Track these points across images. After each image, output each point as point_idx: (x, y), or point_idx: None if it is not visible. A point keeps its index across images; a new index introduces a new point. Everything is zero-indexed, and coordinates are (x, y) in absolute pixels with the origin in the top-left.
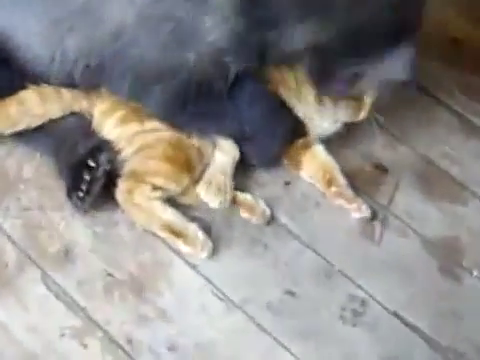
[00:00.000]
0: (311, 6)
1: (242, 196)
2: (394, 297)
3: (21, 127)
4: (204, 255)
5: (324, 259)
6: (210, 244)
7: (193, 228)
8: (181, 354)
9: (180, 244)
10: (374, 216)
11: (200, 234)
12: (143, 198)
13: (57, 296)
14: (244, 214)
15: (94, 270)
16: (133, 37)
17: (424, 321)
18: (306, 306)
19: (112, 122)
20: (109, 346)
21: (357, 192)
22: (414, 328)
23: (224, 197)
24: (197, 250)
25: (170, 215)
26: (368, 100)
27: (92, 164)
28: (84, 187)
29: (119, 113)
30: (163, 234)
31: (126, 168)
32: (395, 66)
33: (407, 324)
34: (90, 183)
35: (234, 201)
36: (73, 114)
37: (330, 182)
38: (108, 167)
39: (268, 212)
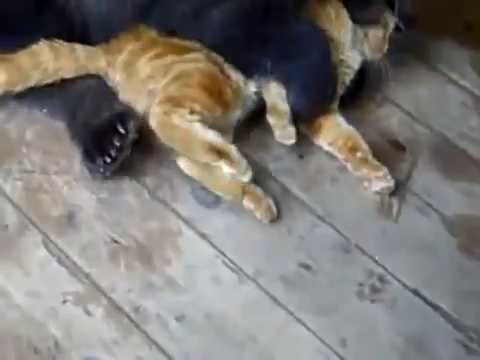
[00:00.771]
0: None
1: (252, 186)
2: (414, 274)
3: (32, 82)
4: (246, 179)
5: (340, 234)
6: (251, 170)
7: (235, 149)
8: (190, 325)
9: (223, 165)
10: (392, 192)
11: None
12: (182, 120)
13: (59, 261)
14: (248, 205)
15: (99, 236)
16: None
17: (445, 300)
18: (322, 280)
19: (146, 58)
20: (114, 314)
21: None
22: (435, 307)
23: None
24: (241, 171)
25: (212, 135)
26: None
27: (122, 130)
28: (113, 153)
29: (154, 51)
30: (205, 156)
31: (161, 95)
32: None
33: (428, 302)
34: (119, 150)
35: (243, 188)
36: (93, 76)
37: (354, 148)
38: (136, 136)
39: (274, 211)
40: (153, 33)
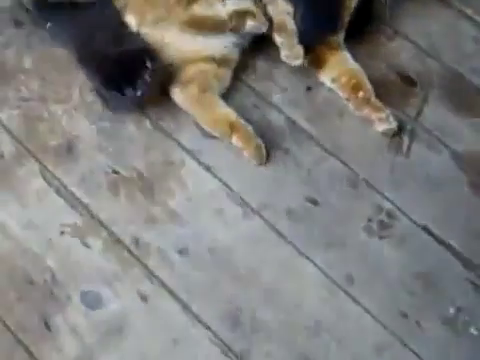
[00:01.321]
0: None
1: (244, 124)
2: (423, 211)
3: None
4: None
5: (348, 167)
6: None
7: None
8: (193, 259)
9: (235, 141)
10: (402, 128)
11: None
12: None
13: (57, 191)
14: (237, 143)
15: (98, 166)
16: None
17: (455, 238)
18: (329, 215)
19: None
20: (113, 247)
21: (384, 104)
22: (445, 245)
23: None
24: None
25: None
26: None
27: (150, 66)
28: (142, 87)
29: None
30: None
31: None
32: None
33: (438, 240)
34: (147, 85)
35: (231, 126)
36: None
37: (357, 87)
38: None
39: (263, 154)
40: None
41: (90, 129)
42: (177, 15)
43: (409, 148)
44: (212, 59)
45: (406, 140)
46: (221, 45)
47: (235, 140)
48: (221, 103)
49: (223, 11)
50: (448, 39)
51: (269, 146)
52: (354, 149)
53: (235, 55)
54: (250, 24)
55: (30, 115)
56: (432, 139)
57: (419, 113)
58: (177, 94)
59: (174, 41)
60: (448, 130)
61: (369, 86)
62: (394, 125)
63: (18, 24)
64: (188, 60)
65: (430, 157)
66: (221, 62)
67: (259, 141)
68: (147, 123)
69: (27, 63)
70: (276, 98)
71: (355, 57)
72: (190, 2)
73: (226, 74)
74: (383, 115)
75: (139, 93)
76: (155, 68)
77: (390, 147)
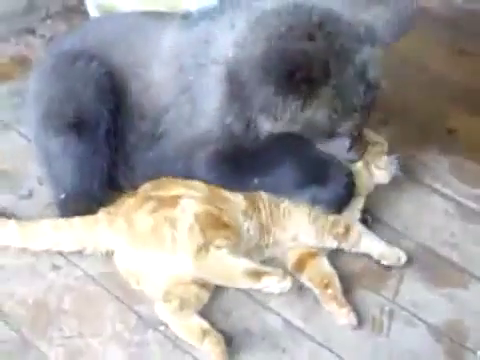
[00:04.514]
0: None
1: (214, 332)
2: None
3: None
4: (289, 284)
5: (339, 357)
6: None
7: (266, 266)
8: None
9: (266, 281)
10: (382, 309)
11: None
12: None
13: None
14: (208, 347)
15: None
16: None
17: None
18: None
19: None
20: None
21: (364, 289)
22: None
23: None
24: (281, 280)
25: (244, 262)
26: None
27: None
28: None
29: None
30: (245, 282)
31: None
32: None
33: None
34: None
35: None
36: None
37: (327, 286)
38: None
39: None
40: (149, 190)
41: (122, 355)
42: None
43: (389, 328)
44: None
45: (386, 321)
46: None
47: (207, 344)
48: (195, 316)
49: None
50: (420, 216)
51: (270, 347)
52: (342, 338)
53: None
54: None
55: (73, 351)
56: (409, 315)
57: (396, 293)
58: (158, 307)
59: None
60: (423, 304)
61: (338, 285)
62: (354, 321)
63: (55, 268)
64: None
65: (408, 333)
66: (203, 285)
67: (223, 347)
68: (168, 343)
69: (66, 304)
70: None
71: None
72: None
73: (205, 296)
74: (344, 310)
75: None
76: None
77: (373, 329)
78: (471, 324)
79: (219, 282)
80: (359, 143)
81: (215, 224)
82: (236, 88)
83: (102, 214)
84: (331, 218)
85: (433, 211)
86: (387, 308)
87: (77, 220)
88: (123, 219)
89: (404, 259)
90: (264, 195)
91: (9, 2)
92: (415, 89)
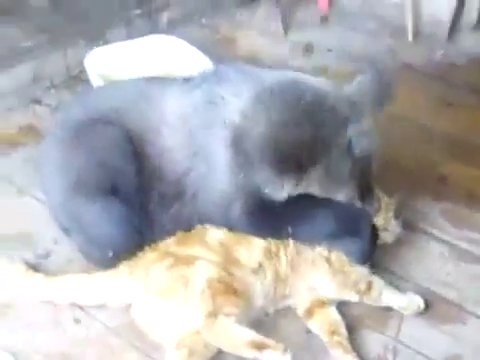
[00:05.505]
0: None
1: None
2: None
3: None
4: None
5: None
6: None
7: (269, 339)
8: None
9: (268, 353)
10: (386, 347)
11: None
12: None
13: None
14: None
15: None
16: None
17: None
18: None
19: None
20: None
21: (368, 329)
22: None
23: None
24: (281, 353)
25: (250, 333)
26: None
27: None
28: None
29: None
30: (249, 352)
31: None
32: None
33: None
34: None
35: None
36: None
37: (334, 333)
38: None
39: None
40: (169, 245)
41: None
42: None
43: None
44: None
45: (390, 358)
46: None
47: None
48: None
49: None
50: (417, 259)
51: None
52: None
53: None
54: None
55: None
56: (412, 352)
57: (398, 331)
58: (171, 354)
59: None
60: (425, 341)
61: (344, 331)
62: None
63: (76, 321)
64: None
65: None
66: None
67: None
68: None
69: (89, 357)
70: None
71: None
72: None
73: (214, 347)
74: (349, 357)
75: None
76: None
77: None
78: (470, 358)
79: (223, 348)
80: (371, 198)
81: (226, 291)
82: (242, 155)
83: (123, 266)
84: (352, 274)
85: (429, 254)
86: (391, 346)
87: (100, 274)
88: (142, 270)
89: (423, 306)
90: (291, 243)
91: (16, 75)
92: (406, 141)
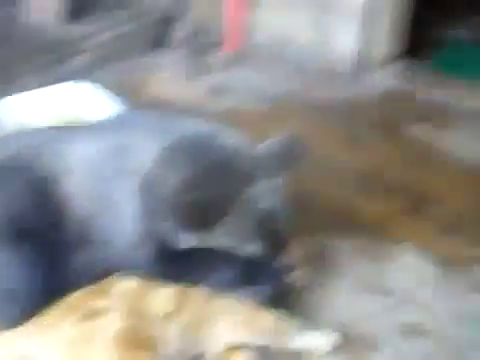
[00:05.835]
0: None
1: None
2: None
3: None
4: None
5: None
6: None
7: None
8: None
9: None
10: None
11: None
12: None
13: None
14: None
15: None
16: None
17: None
18: None
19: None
20: None
21: None
22: None
23: None
24: None
25: None
26: None
27: None
28: None
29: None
30: None
31: None
32: None
33: None
34: None
35: None
36: None
37: None
38: None
39: None
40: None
41: None
42: None
43: None
44: None
45: None
46: None
47: None
48: None
49: None
50: (329, 299)
51: None
52: None
53: None
54: None
55: None
56: None
57: None
58: None
59: None
60: None
61: None
62: None
63: None
64: None
65: None
66: None
67: None
68: None
69: None
70: None
71: None
72: None
73: None
74: None
75: None
76: None
77: None
78: None
79: None
80: (282, 247)
81: (135, 345)
82: (149, 203)
83: (31, 324)
84: (261, 319)
85: (340, 291)
86: None
87: (9, 333)
88: (49, 327)
89: (337, 342)
90: (201, 289)
91: None
92: (316, 180)
